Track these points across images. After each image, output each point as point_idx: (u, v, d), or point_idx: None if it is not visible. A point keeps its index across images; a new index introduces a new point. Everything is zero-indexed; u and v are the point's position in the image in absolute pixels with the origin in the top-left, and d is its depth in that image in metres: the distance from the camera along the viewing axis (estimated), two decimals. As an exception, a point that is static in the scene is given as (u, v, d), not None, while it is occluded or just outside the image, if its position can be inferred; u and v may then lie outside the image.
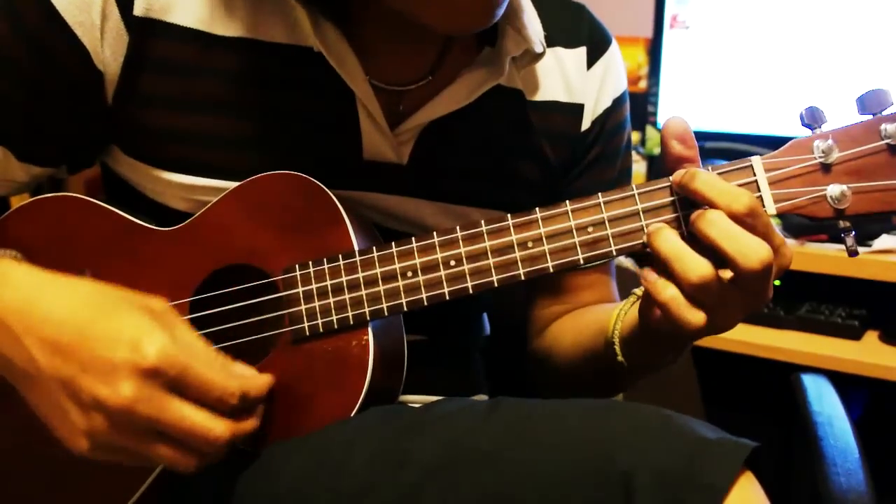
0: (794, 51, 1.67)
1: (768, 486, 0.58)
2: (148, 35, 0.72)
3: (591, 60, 0.85)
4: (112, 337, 0.60)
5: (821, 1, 1.64)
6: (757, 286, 0.62)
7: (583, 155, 0.86)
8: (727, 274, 0.61)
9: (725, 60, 1.74)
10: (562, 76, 0.83)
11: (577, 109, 0.84)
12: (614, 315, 0.77)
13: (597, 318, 0.82)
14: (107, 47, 0.71)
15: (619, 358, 0.75)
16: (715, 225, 0.60)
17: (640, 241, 0.65)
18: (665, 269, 0.62)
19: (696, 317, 0.62)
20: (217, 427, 0.61)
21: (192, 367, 0.60)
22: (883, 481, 0.86)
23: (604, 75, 0.86)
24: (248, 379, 0.65)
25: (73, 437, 0.61)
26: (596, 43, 0.86)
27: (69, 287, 0.64)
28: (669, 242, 0.62)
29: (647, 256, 0.65)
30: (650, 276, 0.63)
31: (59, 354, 0.60)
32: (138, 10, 0.71)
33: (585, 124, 0.85)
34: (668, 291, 0.62)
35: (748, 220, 0.61)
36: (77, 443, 0.61)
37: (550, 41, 0.80)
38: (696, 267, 0.61)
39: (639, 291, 0.72)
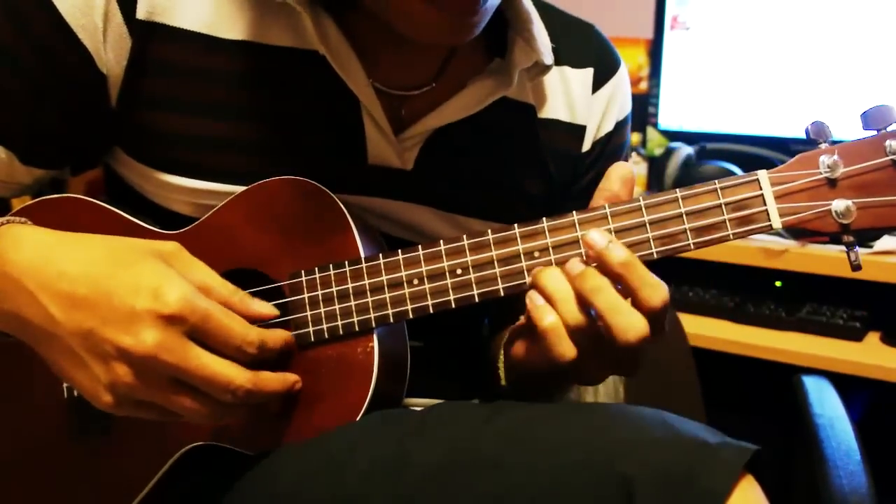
0: (794, 52, 1.67)
1: (769, 488, 0.59)
2: (151, 38, 0.72)
3: (598, 84, 0.85)
4: (131, 286, 0.60)
5: (821, 2, 1.64)
6: (629, 355, 0.62)
7: (581, 175, 0.86)
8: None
9: (726, 61, 1.74)
10: (566, 96, 0.83)
11: (580, 131, 0.84)
12: (506, 336, 0.77)
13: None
14: (109, 50, 0.72)
15: (502, 381, 0.76)
16: (602, 293, 0.61)
17: (649, 251, 0.66)
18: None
19: (569, 350, 0.62)
20: (239, 376, 0.61)
21: (213, 313, 0.61)
22: (884, 482, 0.86)
23: (609, 100, 0.86)
24: (266, 331, 0.66)
25: (97, 392, 0.61)
26: (604, 66, 0.86)
27: (82, 242, 0.64)
28: (556, 280, 0.62)
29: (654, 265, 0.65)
30: (537, 300, 0.64)
31: (79, 308, 0.60)
32: (141, 13, 0.71)
33: (586, 146, 0.85)
34: (549, 319, 0.62)
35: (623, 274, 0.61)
36: (101, 397, 0.61)
37: (558, 59, 0.80)
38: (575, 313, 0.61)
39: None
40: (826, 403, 0.97)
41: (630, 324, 0.60)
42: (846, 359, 1.44)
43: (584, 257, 0.64)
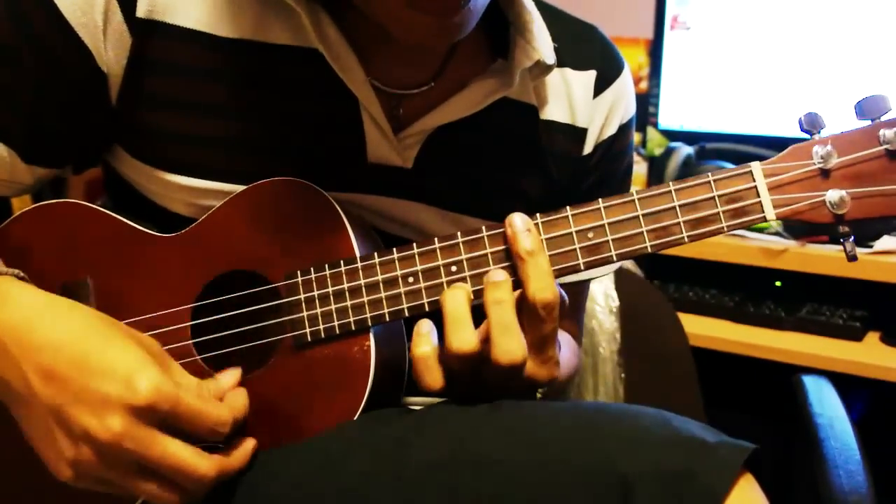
0: (794, 52, 1.67)
1: (768, 488, 0.59)
2: (151, 36, 0.72)
3: (601, 87, 0.84)
4: (106, 370, 0.60)
5: (821, 2, 1.64)
6: (500, 377, 0.65)
7: (584, 177, 0.86)
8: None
9: (726, 61, 1.74)
10: (567, 98, 0.83)
11: (580, 133, 0.84)
12: None
13: None
14: (110, 49, 0.72)
15: None
16: (501, 307, 0.64)
17: (643, 245, 0.66)
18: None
19: (437, 381, 0.66)
20: (203, 465, 0.61)
21: (183, 400, 0.61)
22: (884, 482, 0.86)
23: (612, 103, 0.85)
24: (234, 400, 0.66)
25: (59, 465, 0.62)
26: (607, 69, 0.85)
27: (70, 313, 0.64)
28: (455, 303, 0.65)
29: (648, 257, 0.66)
30: (423, 327, 0.67)
31: (54, 382, 0.60)
32: (141, 11, 0.71)
33: (588, 148, 0.85)
34: (422, 348, 0.66)
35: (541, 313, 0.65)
36: (62, 470, 0.62)
37: (560, 61, 0.80)
38: (465, 339, 0.64)
39: None
40: (826, 403, 0.97)
41: (508, 347, 0.63)
42: (846, 358, 1.44)
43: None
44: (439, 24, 0.65)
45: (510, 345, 0.63)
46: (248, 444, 0.67)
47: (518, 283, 0.66)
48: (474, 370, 0.65)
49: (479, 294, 0.67)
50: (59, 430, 0.61)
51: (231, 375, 0.69)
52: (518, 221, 0.66)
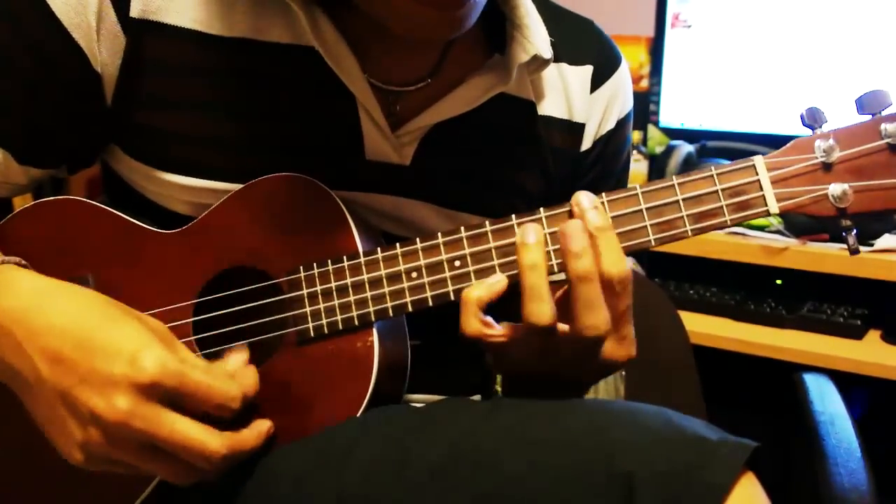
0: (795, 49, 1.67)
1: (769, 486, 0.59)
2: (145, 36, 0.71)
3: (598, 82, 0.84)
4: (111, 350, 0.60)
5: (822, 0, 1.64)
6: (578, 356, 0.64)
7: (583, 173, 0.86)
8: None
9: (727, 59, 1.74)
10: (564, 93, 0.83)
11: (578, 129, 0.84)
12: None
13: None
14: (103, 49, 0.71)
15: (497, 386, 0.76)
16: (588, 284, 0.63)
17: (646, 239, 0.66)
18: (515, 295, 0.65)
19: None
20: (213, 441, 0.61)
21: (190, 376, 0.60)
22: (885, 480, 0.86)
23: (610, 98, 0.85)
24: (244, 378, 0.65)
25: (69, 448, 0.62)
26: (604, 64, 0.85)
27: (72, 295, 0.64)
28: (536, 276, 0.64)
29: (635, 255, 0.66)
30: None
31: (60, 365, 0.60)
32: (134, 11, 0.71)
33: (586, 144, 0.85)
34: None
35: (617, 288, 0.63)
36: (72, 453, 0.62)
37: (557, 56, 0.80)
38: (543, 312, 0.63)
39: None
40: (827, 401, 0.97)
41: (593, 322, 0.63)
42: (847, 356, 1.44)
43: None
44: (442, 17, 0.65)
45: (596, 318, 0.62)
46: (263, 426, 0.66)
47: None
48: (546, 350, 0.64)
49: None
50: (68, 414, 0.60)
51: (238, 355, 0.68)
52: (585, 200, 0.65)
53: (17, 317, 0.62)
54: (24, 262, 0.68)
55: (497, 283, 0.66)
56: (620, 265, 0.63)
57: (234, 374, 0.66)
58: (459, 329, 0.65)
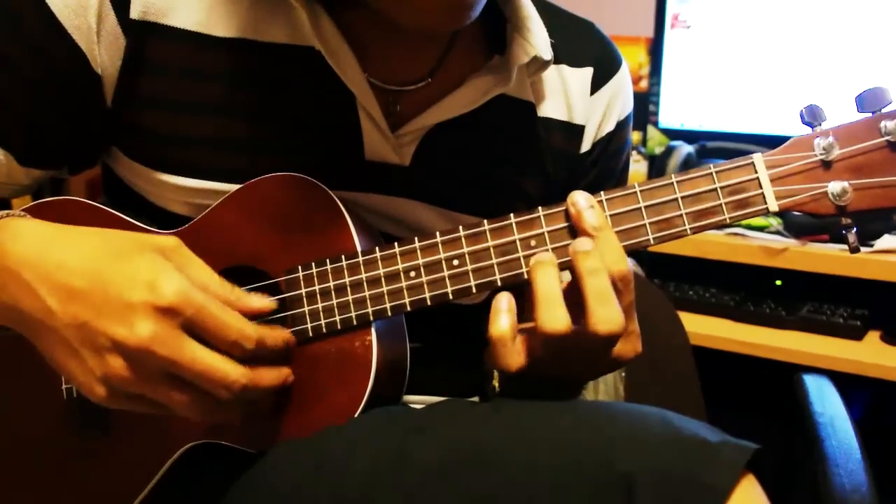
0: (795, 50, 1.67)
1: (769, 487, 0.59)
2: (145, 38, 0.72)
3: (598, 84, 0.84)
4: (128, 278, 0.59)
5: (822, 0, 1.64)
6: (591, 353, 0.64)
7: (583, 175, 0.86)
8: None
9: (727, 60, 1.74)
10: (564, 95, 0.83)
11: (578, 131, 0.84)
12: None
13: None
14: (103, 50, 0.71)
15: (494, 382, 0.75)
16: (597, 276, 0.62)
17: (645, 237, 0.66)
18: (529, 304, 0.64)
19: (515, 362, 0.64)
20: (233, 371, 0.61)
21: (209, 307, 0.60)
22: (885, 482, 0.86)
23: (610, 100, 0.85)
24: (265, 328, 0.65)
25: (90, 384, 0.61)
26: (604, 65, 0.85)
27: (80, 235, 0.64)
28: (548, 280, 0.63)
29: (635, 255, 0.65)
30: (501, 303, 0.65)
31: (75, 300, 0.60)
32: (135, 13, 0.71)
33: (585, 146, 0.85)
34: (500, 326, 0.64)
35: (618, 285, 0.63)
36: (94, 389, 0.61)
37: (557, 57, 0.80)
38: (558, 318, 0.62)
39: None
40: (827, 402, 0.97)
41: (608, 316, 0.61)
42: (847, 357, 1.44)
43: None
44: (449, 5, 0.65)
45: (610, 313, 0.61)
46: (283, 370, 0.66)
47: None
48: (560, 351, 0.64)
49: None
50: (86, 348, 0.60)
51: (260, 300, 0.67)
52: (581, 199, 0.65)
53: (26, 260, 0.62)
54: (26, 214, 0.68)
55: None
56: (621, 263, 0.63)
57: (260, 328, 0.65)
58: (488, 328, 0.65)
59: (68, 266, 0.61)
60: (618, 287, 0.63)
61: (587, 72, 0.84)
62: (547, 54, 0.76)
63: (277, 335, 0.66)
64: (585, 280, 0.62)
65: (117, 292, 0.59)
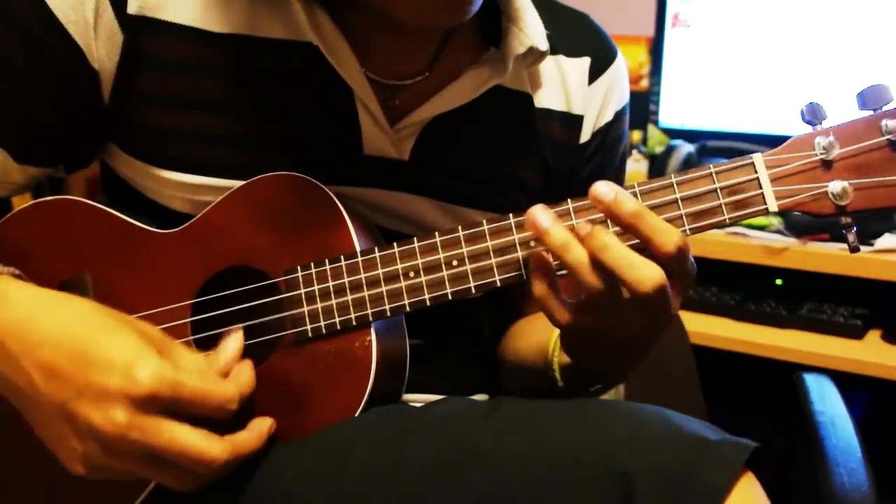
0: (795, 49, 1.66)
1: (770, 486, 0.59)
2: (142, 33, 0.72)
3: (595, 74, 0.84)
4: (106, 362, 0.59)
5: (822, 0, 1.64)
6: (655, 304, 0.61)
7: (582, 166, 0.86)
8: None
9: (727, 59, 1.74)
10: (562, 85, 0.83)
11: (577, 121, 0.84)
12: (553, 337, 0.76)
13: (540, 333, 0.81)
14: (101, 46, 0.71)
15: (560, 383, 0.75)
16: (610, 250, 0.60)
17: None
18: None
19: (563, 316, 0.64)
20: (213, 448, 0.61)
21: (186, 384, 0.60)
22: (885, 481, 0.86)
23: (608, 90, 0.85)
24: (239, 376, 0.65)
25: (70, 461, 0.62)
26: (600, 55, 0.85)
27: (66, 306, 0.64)
28: (616, 243, 0.61)
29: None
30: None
31: (56, 378, 0.60)
32: (132, 8, 0.71)
33: (585, 136, 0.85)
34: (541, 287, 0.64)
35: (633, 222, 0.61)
36: (74, 466, 0.62)
37: (553, 48, 0.80)
38: (648, 276, 0.60)
39: None
40: (827, 401, 0.97)
41: (644, 276, 0.59)
42: (847, 357, 1.44)
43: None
44: (448, 2, 0.65)
45: (643, 273, 0.59)
46: (263, 425, 0.66)
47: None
48: (615, 301, 0.62)
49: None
50: (67, 427, 0.60)
51: (234, 342, 0.67)
52: (605, 191, 0.61)
53: (12, 329, 0.62)
54: (18, 272, 0.68)
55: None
56: (674, 235, 0.60)
57: (230, 371, 0.65)
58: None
59: (53, 342, 0.61)
60: (680, 260, 0.61)
61: (585, 61, 0.84)
62: (543, 45, 0.77)
63: (248, 378, 0.65)
64: (602, 258, 0.60)
65: (96, 377, 0.59)
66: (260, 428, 0.66)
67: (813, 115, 0.65)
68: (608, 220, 0.64)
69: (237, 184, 0.73)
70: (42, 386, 0.61)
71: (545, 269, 0.64)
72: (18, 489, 0.75)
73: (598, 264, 0.61)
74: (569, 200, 0.66)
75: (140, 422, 0.58)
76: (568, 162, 0.85)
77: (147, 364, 0.59)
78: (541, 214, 0.63)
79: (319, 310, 0.69)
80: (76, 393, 0.59)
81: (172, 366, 0.61)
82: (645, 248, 0.61)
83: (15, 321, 0.63)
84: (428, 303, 0.68)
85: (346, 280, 0.69)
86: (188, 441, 0.60)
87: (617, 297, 0.61)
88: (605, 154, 0.87)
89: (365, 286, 0.69)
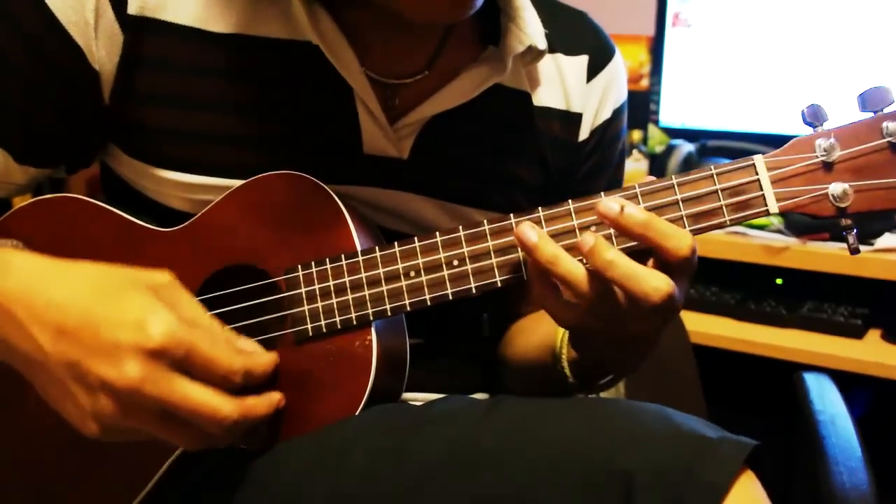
0: (796, 49, 1.66)
1: (770, 485, 0.59)
2: (143, 33, 0.72)
3: (593, 71, 0.85)
4: (116, 318, 0.59)
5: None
6: (663, 308, 0.61)
7: (581, 163, 0.86)
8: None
9: (727, 58, 1.74)
10: (561, 84, 0.83)
11: (576, 119, 0.84)
12: (560, 332, 0.76)
13: (545, 330, 0.81)
14: (101, 46, 0.72)
15: (570, 379, 0.75)
16: (616, 267, 0.60)
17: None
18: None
19: (566, 316, 0.64)
20: (224, 406, 0.60)
21: (197, 345, 0.60)
22: (885, 480, 0.86)
23: (606, 87, 0.85)
24: (252, 356, 0.65)
25: (83, 421, 0.61)
26: (599, 53, 0.85)
27: (72, 270, 0.64)
28: (621, 264, 0.61)
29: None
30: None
31: (65, 338, 0.60)
32: (132, 8, 0.71)
33: (583, 134, 0.85)
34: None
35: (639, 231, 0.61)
36: (87, 426, 0.61)
37: (552, 47, 0.80)
38: (683, 244, 0.61)
39: None
40: (827, 400, 0.97)
41: (652, 288, 0.60)
42: (847, 356, 1.44)
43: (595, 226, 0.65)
44: None
45: (650, 285, 0.60)
46: (274, 396, 0.66)
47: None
48: (617, 310, 0.62)
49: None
50: (78, 386, 0.60)
51: (248, 343, 0.67)
52: (611, 207, 0.61)
53: (17, 296, 0.62)
54: (19, 244, 0.68)
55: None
56: (686, 239, 0.61)
57: (247, 350, 0.65)
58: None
59: (59, 303, 0.61)
60: (692, 263, 0.61)
61: (583, 59, 0.84)
62: (541, 44, 0.77)
63: (263, 362, 0.66)
64: (607, 273, 0.60)
65: (106, 333, 0.59)
66: (270, 398, 0.66)
67: (814, 116, 0.65)
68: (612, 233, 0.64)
69: (237, 183, 0.73)
70: (50, 348, 0.60)
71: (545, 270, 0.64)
72: (19, 487, 0.75)
73: (599, 277, 0.61)
74: (569, 201, 0.66)
75: (154, 375, 0.58)
76: (567, 160, 0.85)
77: (159, 318, 0.59)
78: (528, 231, 0.63)
79: (320, 309, 0.69)
80: (87, 351, 0.59)
81: (185, 324, 0.60)
82: (655, 253, 0.62)
83: (20, 288, 0.62)
84: (429, 302, 0.68)
85: (346, 279, 0.69)
86: (201, 397, 0.60)
87: (620, 304, 0.62)
88: (604, 151, 0.87)
89: (366, 285, 0.69)
